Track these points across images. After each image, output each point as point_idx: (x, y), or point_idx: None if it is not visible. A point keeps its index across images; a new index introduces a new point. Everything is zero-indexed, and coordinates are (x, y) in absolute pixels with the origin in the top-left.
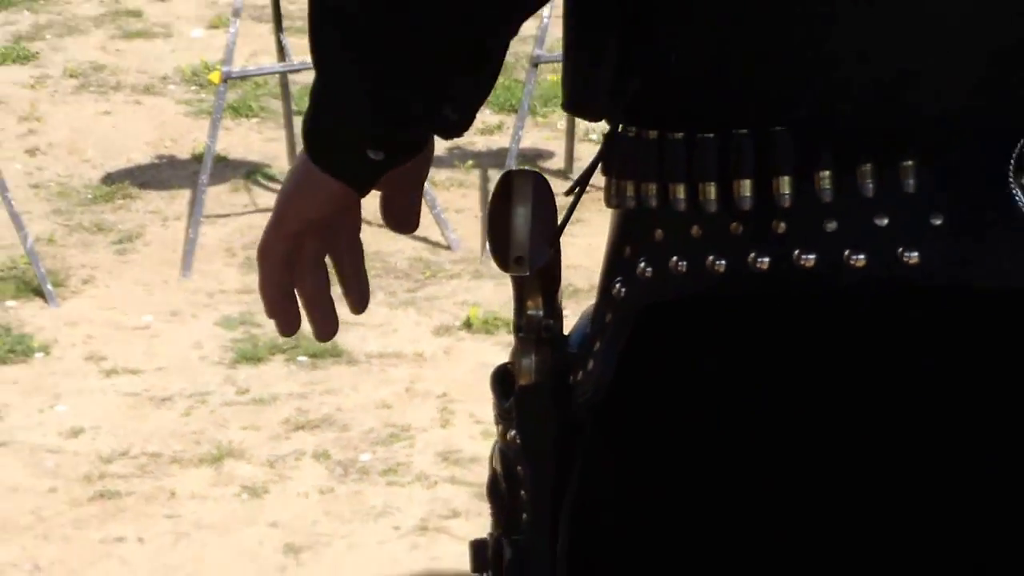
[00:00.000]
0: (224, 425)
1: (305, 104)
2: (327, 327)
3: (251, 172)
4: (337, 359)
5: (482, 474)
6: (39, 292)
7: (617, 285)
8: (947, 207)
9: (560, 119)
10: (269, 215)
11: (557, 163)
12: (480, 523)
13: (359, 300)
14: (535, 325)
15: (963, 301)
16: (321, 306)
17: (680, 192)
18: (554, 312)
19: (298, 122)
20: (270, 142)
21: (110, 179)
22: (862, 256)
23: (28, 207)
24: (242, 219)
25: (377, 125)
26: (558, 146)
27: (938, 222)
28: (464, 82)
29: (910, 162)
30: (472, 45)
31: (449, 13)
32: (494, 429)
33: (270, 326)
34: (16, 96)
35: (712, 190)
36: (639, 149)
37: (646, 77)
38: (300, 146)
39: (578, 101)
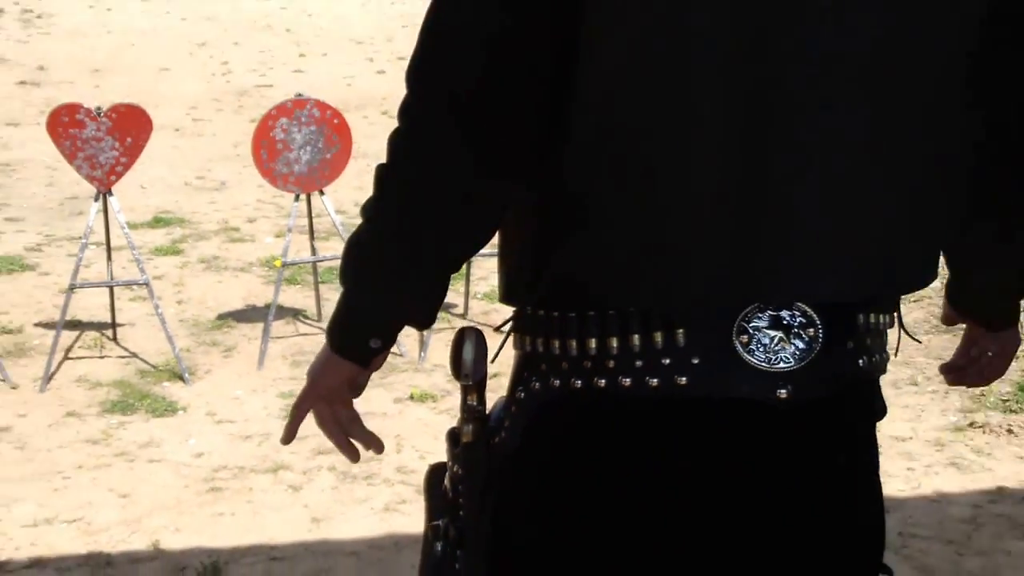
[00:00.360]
0: (280, 451)
1: (325, 277)
2: (349, 455)
3: (296, 314)
4: (372, 414)
5: (420, 480)
6: (181, 377)
7: (519, 392)
8: (700, 353)
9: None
10: (307, 336)
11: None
12: (419, 504)
13: (375, 446)
14: (472, 409)
15: (710, 405)
16: (339, 440)
17: (557, 346)
18: (482, 402)
19: (322, 289)
20: (306, 298)
21: (220, 317)
22: (655, 380)
23: (177, 331)
24: (291, 340)
25: (377, 325)
26: (459, 298)
27: (696, 361)
28: (434, 302)
29: (680, 330)
30: (442, 280)
31: (424, 262)
32: (430, 454)
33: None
34: (170, 273)
35: (574, 344)
36: (536, 321)
37: (547, 276)
38: (324, 302)
39: (508, 297)
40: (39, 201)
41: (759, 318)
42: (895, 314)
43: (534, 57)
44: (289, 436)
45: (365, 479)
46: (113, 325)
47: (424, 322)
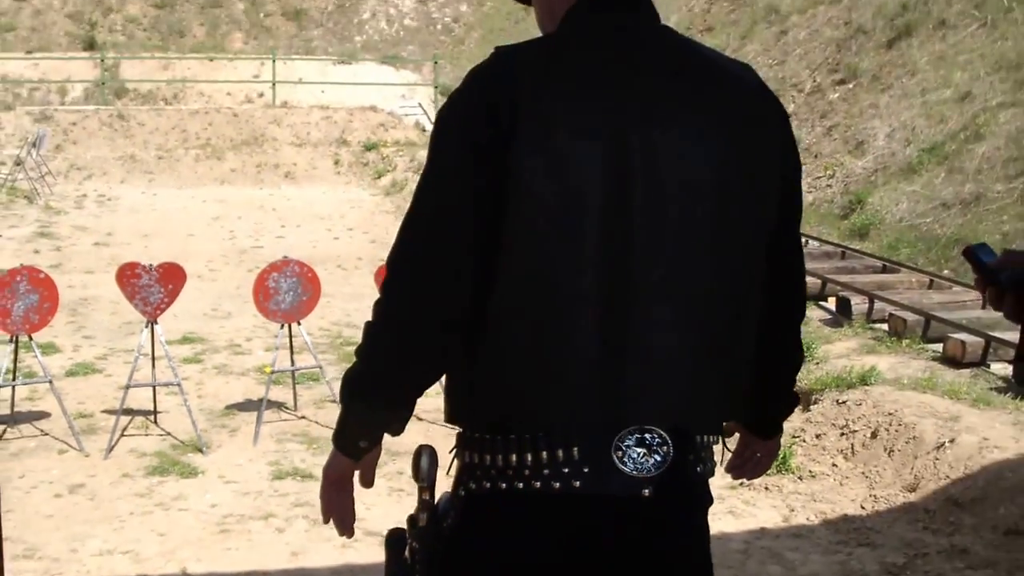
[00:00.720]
0: (269, 503)
1: (300, 380)
2: (339, 527)
3: (280, 406)
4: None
5: (369, 525)
6: (200, 450)
7: (460, 490)
8: (589, 464)
9: None
10: (287, 421)
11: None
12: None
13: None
14: (425, 503)
15: (595, 500)
16: (340, 519)
17: (488, 459)
18: (432, 497)
19: (298, 388)
20: (286, 395)
21: (227, 407)
22: (558, 483)
23: (197, 417)
24: (276, 424)
25: (363, 433)
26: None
27: (586, 470)
28: (401, 421)
29: (575, 447)
30: (403, 408)
31: (389, 402)
32: (374, 506)
33: (290, 475)
34: (193, 376)
35: (500, 457)
36: (472, 440)
37: (481, 410)
38: (298, 398)
39: (451, 419)
40: (105, 325)
41: (629, 439)
42: (720, 434)
43: (479, 263)
44: (325, 518)
45: (329, 524)
46: (155, 412)
47: (396, 432)
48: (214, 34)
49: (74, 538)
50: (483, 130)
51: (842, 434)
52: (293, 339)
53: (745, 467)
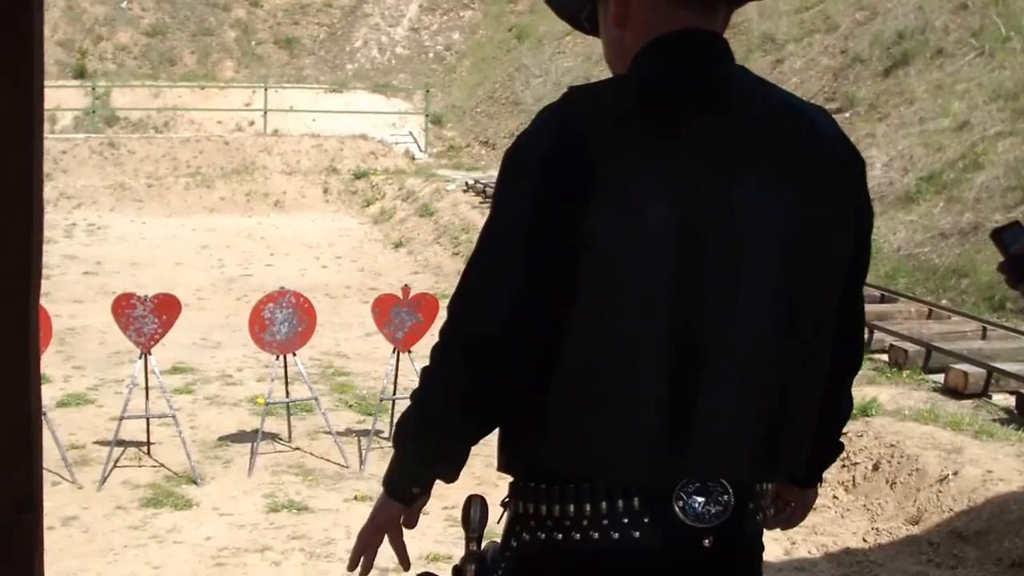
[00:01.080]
0: (265, 536)
1: (294, 410)
2: (363, 568)
3: (274, 437)
4: (328, 510)
5: None
6: (194, 482)
7: (512, 541)
8: (649, 515)
9: None
10: (282, 452)
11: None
12: None
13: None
14: (473, 554)
15: (655, 552)
16: (369, 562)
17: (544, 509)
18: (479, 547)
19: (292, 420)
20: (280, 426)
21: (221, 439)
22: (616, 534)
23: (190, 448)
24: (271, 455)
25: (416, 479)
26: (385, 427)
27: (646, 520)
28: (456, 467)
29: (636, 498)
30: (456, 456)
31: (442, 450)
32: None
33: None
34: (185, 407)
35: (557, 508)
36: (527, 490)
37: (539, 460)
38: (292, 428)
39: (506, 469)
40: (95, 355)
41: (690, 489)
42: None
43: (542, 314)
44: (353, 563)
45: (325, 558)
46: (148, 444)
47: (450, 479)
48: (205, 62)
49: (68, 572)
50: (554, 177)
51: (843, 466)
52: (287, 370)
53: (779, 516)
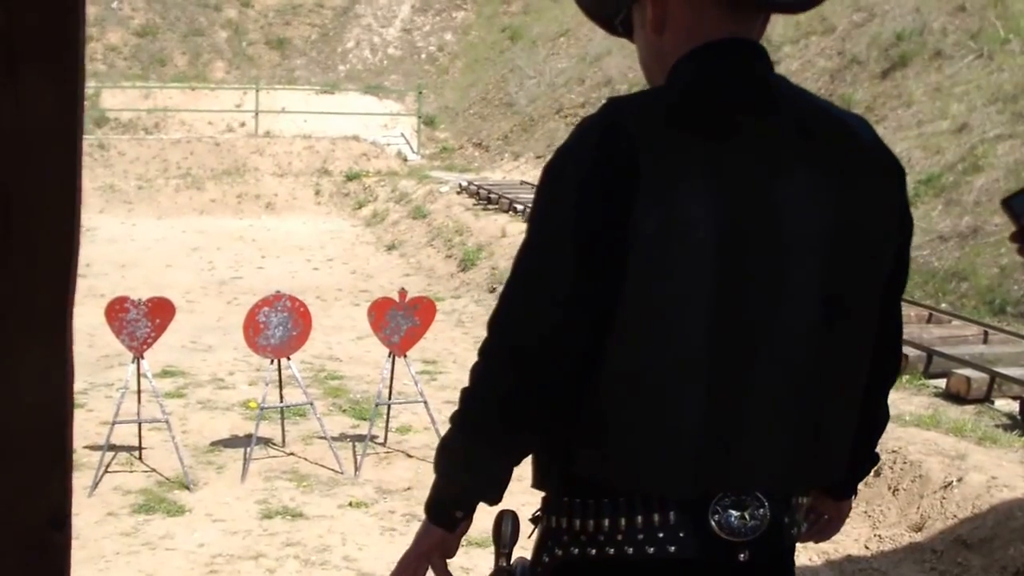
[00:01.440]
0: (259, 542)
1: (287, 415)
2: None
3: (267, 442)
4: (323, 516)
5: (360, 565)
6: (187, 487)
7: (544, 556)
8: (685, 529)
9: None
10: (275, 458)
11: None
12: None
13: None
14: (502, 569)
15: (690, 565)
16: None
17: (577, 523)
18: (509, 563)
19: (286, 424)
20: (274, 431)
21: (213, 444)
22: (652, 548)
23: (183, 454)
24: (264, 461)
25: (460, 502)
26: (380, 432)
27: (682, 534)
28: (499, 488)
29: (671, 512)
30: (501, 475)
31: (488, 467)
32: (366, 546)
33: (279, 514)
34: (177, 411)
35: (591, 522)
36: (560, 504)
37: (577, 475)
38: (286, 433)
39: (540, 484)
40: (84, 357)
41: (726, 503)
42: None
43: (591, 318)
44: None
45: (320, 565)
46: (139, 448)
47: (494, 501)
48: (196, 63)
49: None
50: (599, 182)
51: None
52: (281, 374)
53: (813, 528)
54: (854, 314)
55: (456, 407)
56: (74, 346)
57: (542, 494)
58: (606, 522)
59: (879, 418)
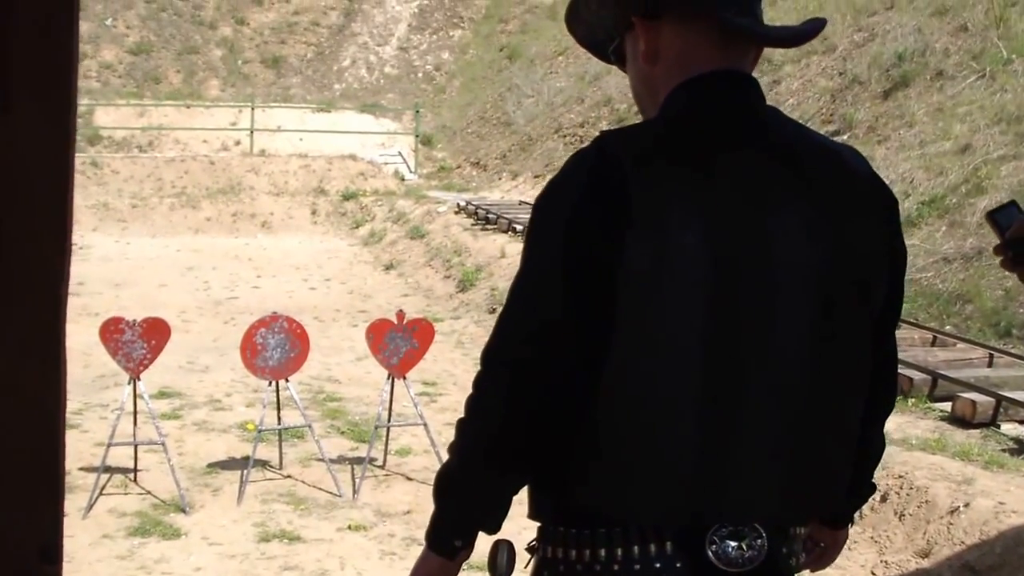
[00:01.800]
0: (256, 567)
1: (285, 436)
2: None
3: (264, 464)
4: (321, 540)
5: None
6: (183, 510)
7: None
8: (682, 560)
9: None
10: (272, 480)
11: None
12: None
13: None
14: None
15: None
16: None
17: (573, 554)
18: None
19: (284, 446)
20: (271, 452)
21: (210, 466)
22: None
23: (180, 478)
24: (261, 483)
25: (459, 531)
26: (379, 454)
27: (679, 565)
28: (497, 517)
29: (668, 543)
30: (497, 505)
31: (494, 496)
32: (365, 571)
33: (276, 538)
34: (173, 433)
35: (587, 552)
36: (556, 535)
37: (572, 505)
38: (284, 455)
39: (535, 516)
40: (78, 378)
41: (723, 533)
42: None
43: (581, 349)
44: None
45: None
46: (135, 470)
47: (493, 530)
48: (190, 81)
49: None
50: (588, 224)
51: None
52: (279, 396)
53: (809, 557)
54: (846, 346)
55: (454, 436)
56: (69, 365)
57: (539, 524)
58: (602, 552)
59: (875, 447)
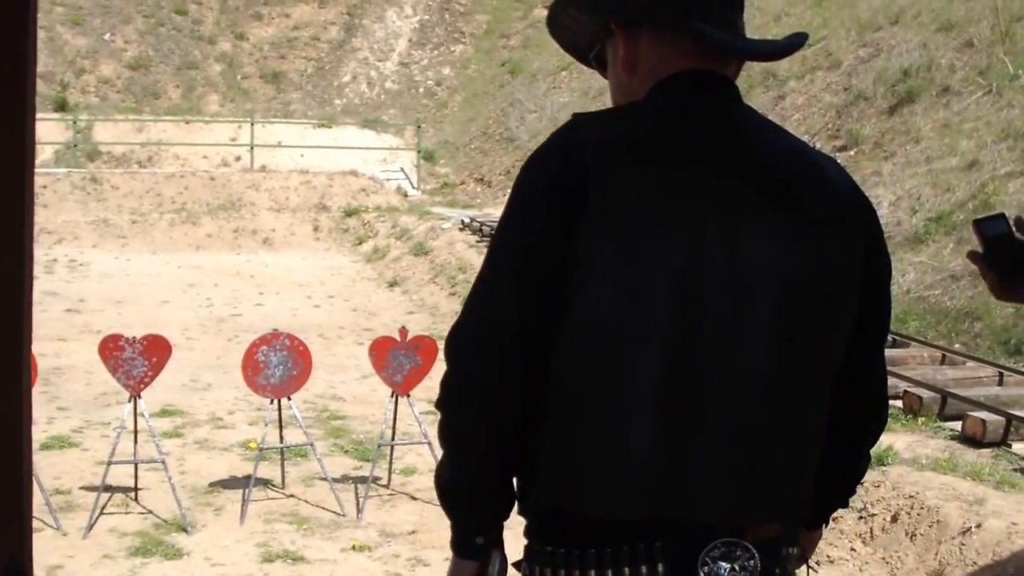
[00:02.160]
0: None
1: (288, 455)
2: None
3: (267, 483)
4: (325, 560)
5: None
6: (185, 530)
7: None
8: None
9: None
10: (274, 500)
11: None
12: None
13: None
14: None
15: None
16: None
17: (562, 572)
18: None
19: (286, 464)
20: (273, 471)
21: (212, 485)
22: None
23: (180, 495)
24: (263, 502)
25: (476, 528)
26: (383, 473)
27: None
28: (508, 496)
29: (660, 564)
30: (495, 495)
31: (494, 481)
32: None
33: (280, 558)
34: (174, 451)
35: (576, 573)
36: (543, 554)
37: (554, 522)
38: (286, 474)
39: (520, 509)
40: (79, 395)
41: (715, 554)
42: (800, 544)
43: (531, 341)
44: None
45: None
46: (136, 489)
47: (506, 515)
48: (190, 96)
49: None
50: (555, 206)
51: (860, 517)
52: (282, 414)
53: None
54: (813, 355)
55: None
56: (71, 383)
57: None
58: (592, 573)
59: (862, 465)
